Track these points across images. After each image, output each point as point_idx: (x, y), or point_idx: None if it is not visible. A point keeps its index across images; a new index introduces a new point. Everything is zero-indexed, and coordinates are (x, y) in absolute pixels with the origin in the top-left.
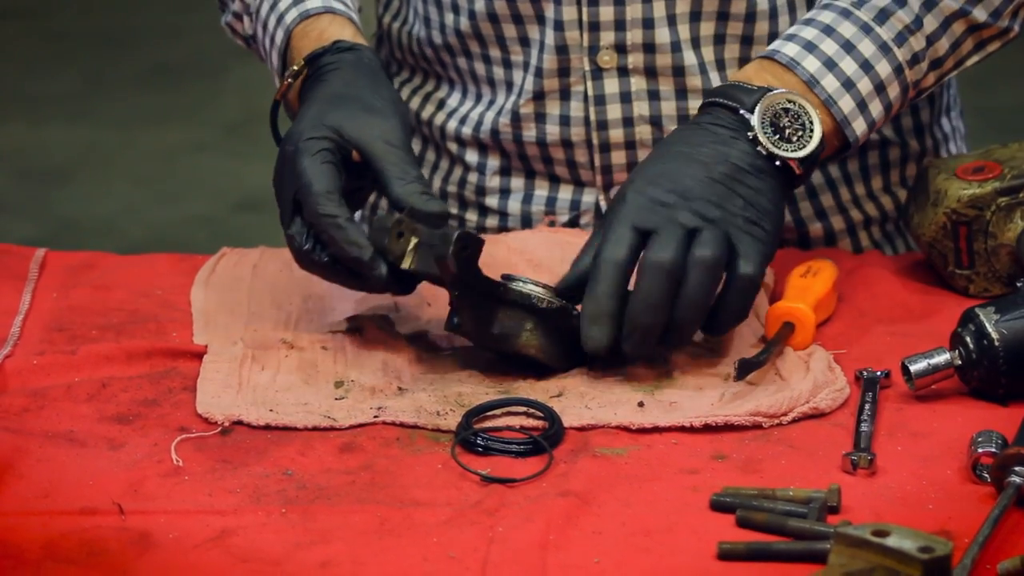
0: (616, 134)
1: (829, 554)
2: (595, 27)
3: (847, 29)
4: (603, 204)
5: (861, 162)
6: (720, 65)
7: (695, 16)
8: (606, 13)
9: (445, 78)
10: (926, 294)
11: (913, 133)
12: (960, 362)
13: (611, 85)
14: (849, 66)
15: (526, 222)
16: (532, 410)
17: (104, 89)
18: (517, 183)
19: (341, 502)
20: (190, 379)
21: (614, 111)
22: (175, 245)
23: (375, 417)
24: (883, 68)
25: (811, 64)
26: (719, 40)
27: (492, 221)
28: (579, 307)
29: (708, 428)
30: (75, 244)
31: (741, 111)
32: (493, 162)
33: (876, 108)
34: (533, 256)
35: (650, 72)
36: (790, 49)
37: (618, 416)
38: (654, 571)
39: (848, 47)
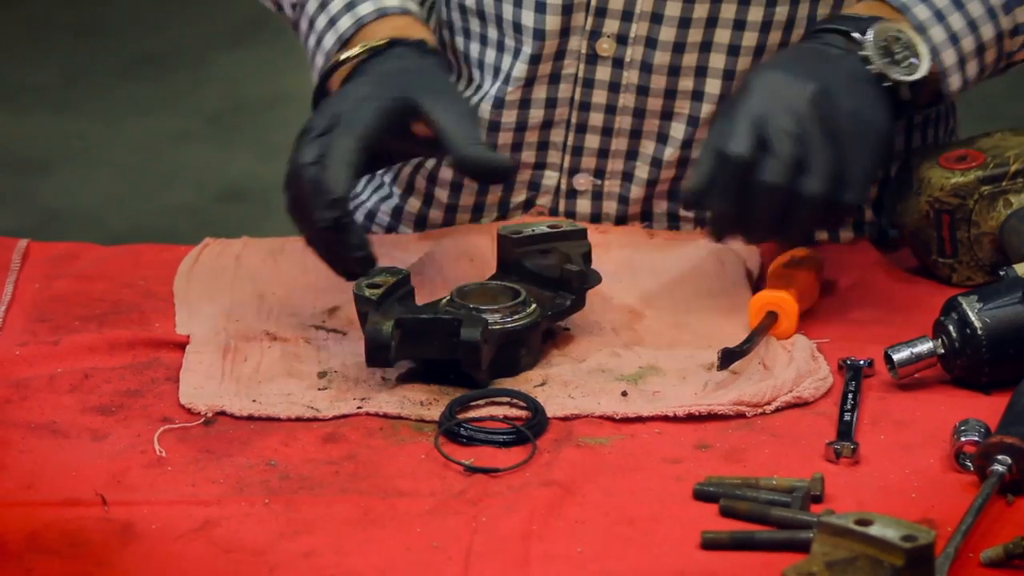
0: (596, 118)
1: (812, 543)
2: (601, 12)
3: None
4: (564, 187)
5: None
6: (728, 75)
7: (712, 22)
8: (615, 1)
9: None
10: (909, 283)
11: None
12: (943, 351)
13: (603, 72)
14: (957, 21)
15: (477, 212)
16: (515, 400)
17: (86, 80)
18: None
19: (324, 492)
20: (173, 370)
21: (599, 96)
22: (158, 235)
23: (359, 408)
24: (987, 31)
25: (921, 12)
26: (733, 51)
27: (436, 213)
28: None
29: (691, 417)
30: (57, 235)
31: (853, 34)
32: None
33: (972, 68)
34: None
35: (645, 67)
36: None
37: (602, 406)
38: (637, 560)
39: (958, 4)
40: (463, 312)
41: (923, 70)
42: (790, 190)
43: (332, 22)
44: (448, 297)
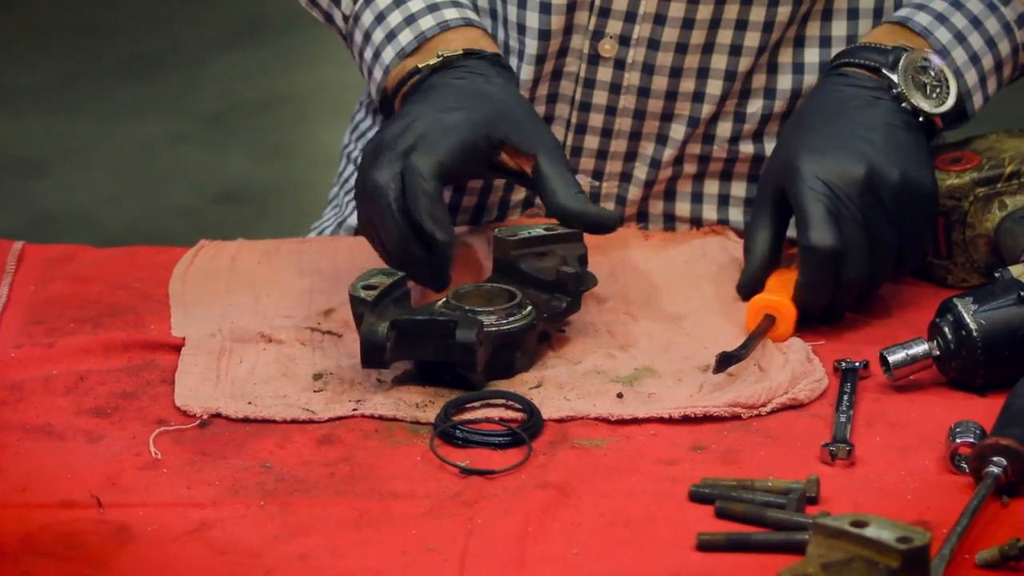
0: (596, 118)
1: (807, 545)
2: (604, 12)
3: (975, 6)
4: None
5: None
6: (729, 76)
7: (715, 23)
8: (619, 2)
9: None
10: (904, 284)
11: None
12: (938, 352)
13: (604, 74)
14: (976, 41)
15: (478, 212)
16: (511, 402)
17: (82, 81)
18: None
19: (320, 494)
20: (168, 372)
21: (600, 97)
22: (153, 237)
23: (354, 410)
24: (1004, 47)
25: (943, 35)
26: (735, 51)
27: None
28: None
29: (687, 419)
30: (53, 237)
31: (883, 70)
32: None
33: (992, 85)
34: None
35: (647, 69)
36: (922, 18)
37: (597, 407)
38: (633, 562)
39: (976, 23)
40: (459, 314)
41: (952, 98)
42: (870, 279)
43: (391, 36)
44: (444, 299)
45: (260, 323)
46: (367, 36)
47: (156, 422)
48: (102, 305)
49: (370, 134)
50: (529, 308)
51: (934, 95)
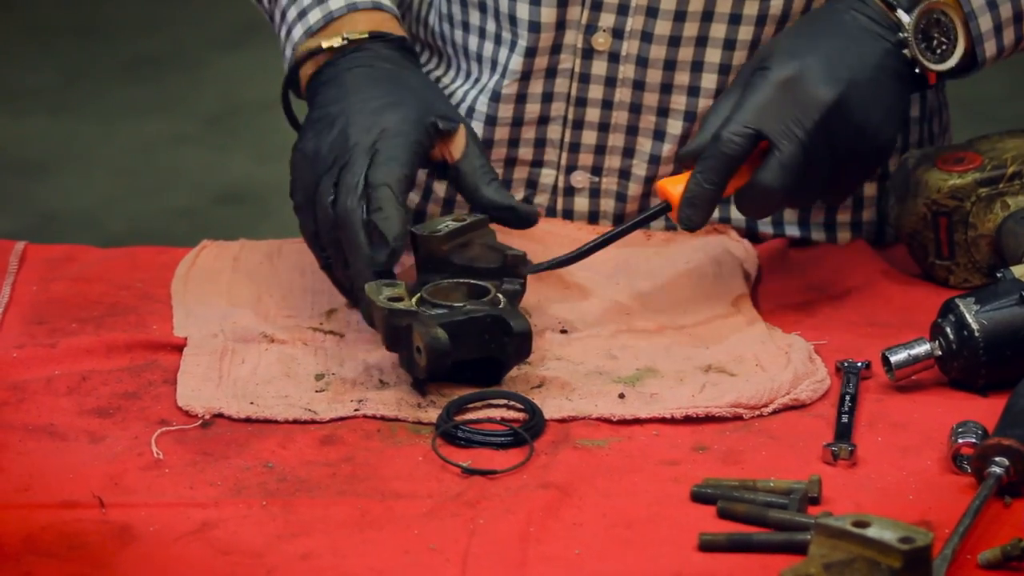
0: (592, 113)
1: (809, 545)
2: (596, 6)
3: None
4: (562, 185)
5: None
6: (723, 69)
7: (707, 16)
8: None
9: (444, 55)
10: (906, 285)
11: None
12: (940, 353)
13: (599, 67)
14: None
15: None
16: (512, 402)
17: (84, 82)
18: None
19: (322, 494)
20: (170, 372)
21: (596, 91)
22: (155, 238)
23: (356, 410)
24: None
25: None
26: (729, 45)
27: (434, 207)
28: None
29: (689, 419)
30: (55, 237)
31: (898, 11)
32: None
33: (1009, 36)
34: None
35: (641, 61)
36: None
37: (599, 408)
38: (635, 562)
39: None
40: (489, 308)
41: (954, 59)
42: (783, 193)
43: (302, 14)
44: (417, 307)
45: (262, 323)
46: (283, 15)
47: (158, 422)
48: (104, 305)
49: None
50: (501, 296)
51: (939, 50)
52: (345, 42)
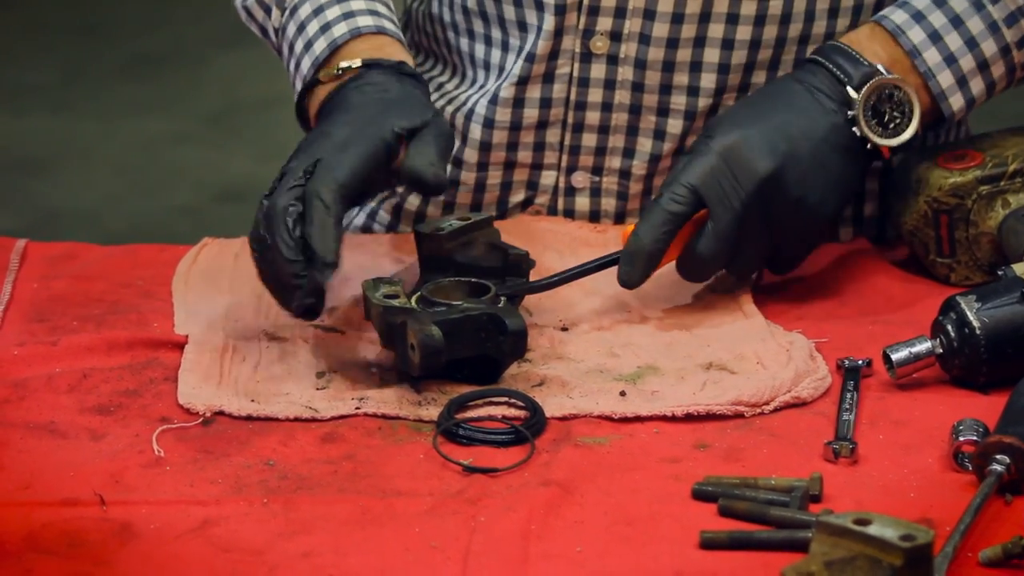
0: (592, 116)
1: (811, 543)
2: (594, 11)
3: (958, 4)
4: (562, 185)
5: None
6: (722, 69)
7: (704, 17)
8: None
9: (449, 62)
10: (907, 283)
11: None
12: (941, 350)
13: (597, 70)
14: (954, 41)
15: (475, 211)
16: (514, 400)
17: (85, 80)
18: (467, 175)
19: (323, 492)
20: (171, 369)
21: (595, 94)
22: (156, 235)
23: (357, 408)
24: (989, 47)
25: (916, 35)
26: (727, 45)
27: (434, 210)
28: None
29: (690, 417)
30: (56, 235)
31: (848, 88)
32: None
33: (977, 86)
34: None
35: (639, 63)
36: (898, 16)
37: (600, 405)
38: (636, 560)
39: (956, 22)
40: (486, 307)
41: (909, 133)
42: (716, 262)
43: (308, 45)
44: (418, 306)
45: (263, 321)
46: (291, 48)
47: (159, 420)
48: (105, 303)
49: None
50: (502, 295)
51: (892, 125)
52: (339, 72)
